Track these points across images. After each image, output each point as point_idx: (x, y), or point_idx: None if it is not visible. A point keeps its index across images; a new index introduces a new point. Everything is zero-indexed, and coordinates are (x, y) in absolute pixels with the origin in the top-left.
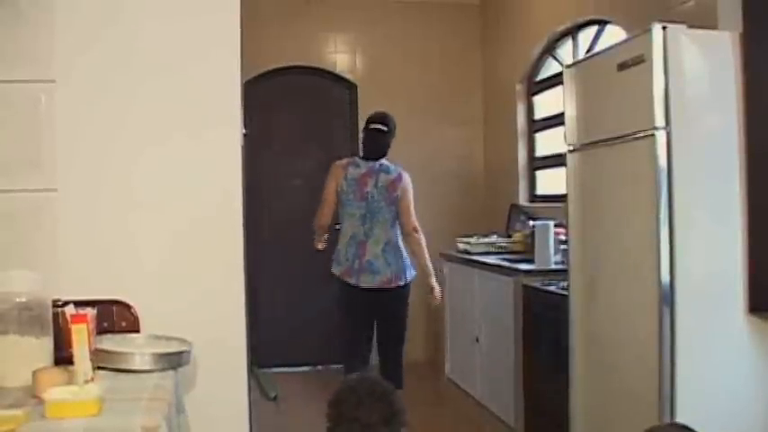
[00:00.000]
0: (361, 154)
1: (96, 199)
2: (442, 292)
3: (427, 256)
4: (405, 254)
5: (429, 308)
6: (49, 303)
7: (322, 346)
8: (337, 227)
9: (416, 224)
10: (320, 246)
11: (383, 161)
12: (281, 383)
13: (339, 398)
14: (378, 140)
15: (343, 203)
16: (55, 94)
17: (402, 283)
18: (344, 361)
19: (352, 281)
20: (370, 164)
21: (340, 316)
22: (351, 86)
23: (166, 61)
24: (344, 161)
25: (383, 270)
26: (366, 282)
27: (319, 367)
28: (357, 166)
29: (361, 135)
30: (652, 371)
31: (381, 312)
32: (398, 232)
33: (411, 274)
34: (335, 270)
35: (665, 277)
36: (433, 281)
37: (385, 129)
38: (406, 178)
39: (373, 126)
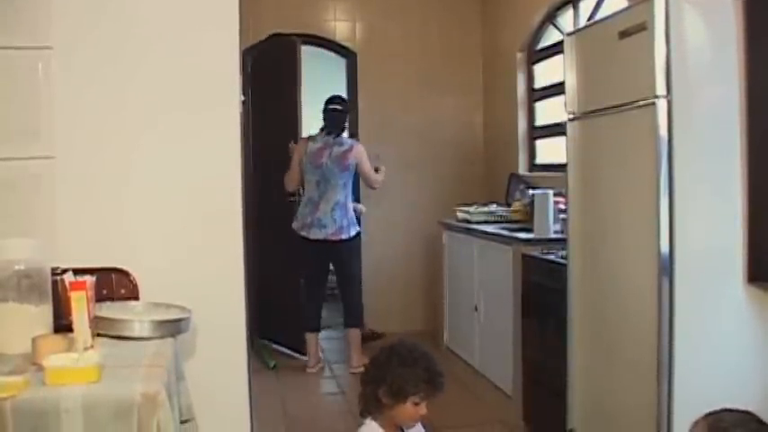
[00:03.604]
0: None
1: (95, 166)
2: (441, 260)
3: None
4: (351, 213)
5: (428, 277)
6: (48, 271)
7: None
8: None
9: (374, 183)
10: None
11: (349, 138)
12: (280, 357)
13: (380, 359)
14: (336, 118)
15: (305, 171)
16: (52, 62)
17: (345, 237)
18: (304, 297)
19: (304, 233)
20: (327, 138)
21: (301, 263)
22: (350, 55)
23: (166, 32)
24: (306, 137)
25: (329, 225)
26: (315, 234)
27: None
28: (315, 141)
29: (321, 115)
30: (651, 340)
31: (333, 260)
32: (348, 194)
33: (355, 229)
34: (294, 225)
35: (665, 247)
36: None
37: (340, 108)
38: (358, 148)
39: (332, 106)
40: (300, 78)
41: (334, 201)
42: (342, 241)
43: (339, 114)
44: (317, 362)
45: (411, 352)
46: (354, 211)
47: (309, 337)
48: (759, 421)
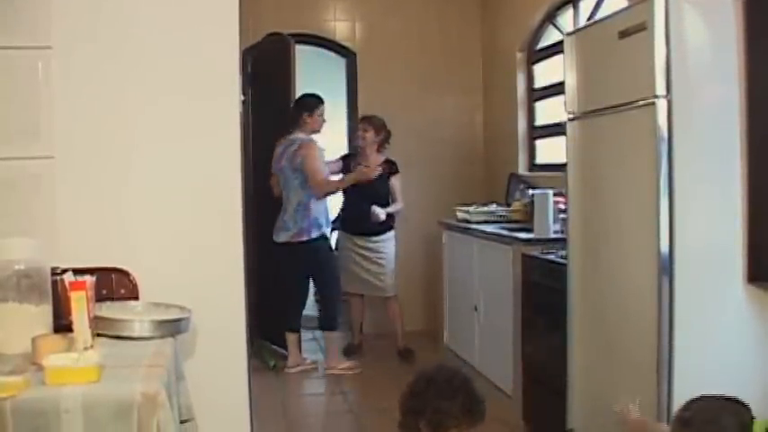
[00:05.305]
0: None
1: (95, 166)
2: (441, 260)
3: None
4: (314, 213)
5: (428, 277)
6: (48, 271)
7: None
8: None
9: (315, 186)
10: None
11: (295, 135)
12: (280, 356)
13: (418, 389)
14: (290, 116)
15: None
16: (52, 62)
17: (306, 238)
18: (285, 297)
19: (274, 236)
20: (286, 140)
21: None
22: (350, 55)
23: (166, 31)
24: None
25: (291, 227)
26: (280, 237)
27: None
28: (280, 144)
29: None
30: (651, 340)
31: (303, 263)
32: (309, 194)
33: (318, 231)
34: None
35: (665, 247)
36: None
37: (294, 104)
38: (306, 146)
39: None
40: (294, 78)
41: (296, 202)
42: (302, 243)
43: (292, 111)
44: (297, 363)
45: (450, 382)
46: (372, 214)
47: (288, 336)
48: (732, 405)
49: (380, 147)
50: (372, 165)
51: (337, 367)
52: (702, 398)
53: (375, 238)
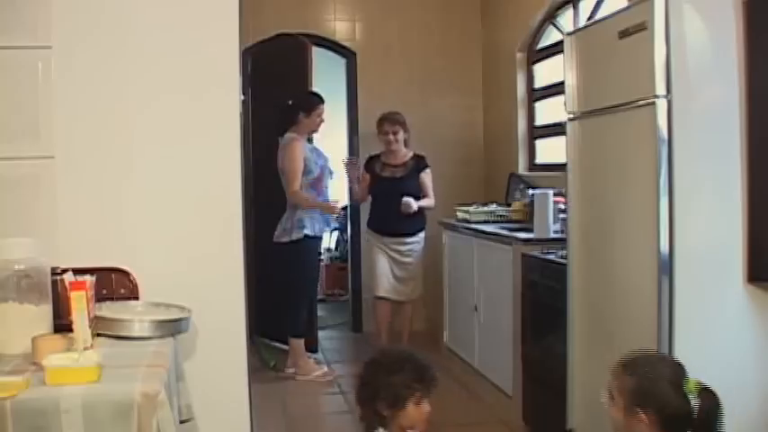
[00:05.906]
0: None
1: (94, 166)
2: (441, 260)
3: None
4: (299, 215)
5: (428, 277)
6: (48, 271)
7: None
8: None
9: (289, 196)
10: None
11: (288, 134)
12: (280, 355)
13: (366, 376)
14: (283, 115)
15: None
16: (52, 61)
17: (286, 239)
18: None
19: None
20: (281, 140)
21: None
22: (350, 54)
23: (166, 31)
24: None
25: (279, 228)
26: (274, 237)
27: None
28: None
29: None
30: (650, 340)
31: (280, 264)
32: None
33: (299, 233)
34: None
35: (664, 246)
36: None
37: (290, 102)
38: (286, 145)
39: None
40: (311, 79)
41: (287, 203)
42: (283, 244)
43: (288, 109)
44: (308, 370)
45: (394, 358)
46: (403, 204)
47: (291, 342)
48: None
49: (407, 142)
50: (402, 162)
51: (310, 374)
52: (642, 350)
53: (408, 240)
